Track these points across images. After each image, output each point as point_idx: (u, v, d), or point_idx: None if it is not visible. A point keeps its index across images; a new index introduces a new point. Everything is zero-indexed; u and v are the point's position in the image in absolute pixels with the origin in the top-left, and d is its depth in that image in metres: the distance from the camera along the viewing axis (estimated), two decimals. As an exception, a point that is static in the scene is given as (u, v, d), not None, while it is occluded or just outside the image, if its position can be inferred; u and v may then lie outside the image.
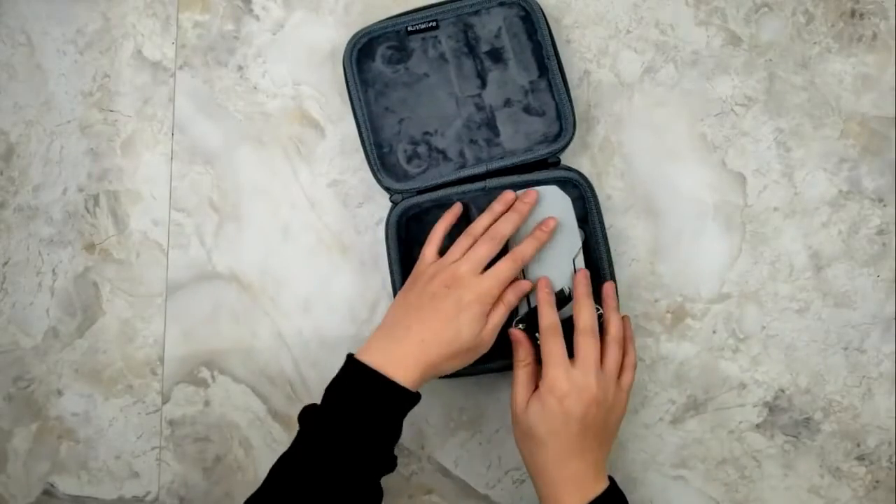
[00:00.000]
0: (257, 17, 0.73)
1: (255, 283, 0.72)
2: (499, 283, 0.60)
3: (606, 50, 0.72)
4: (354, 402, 0.57)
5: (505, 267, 0.61)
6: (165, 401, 0.72)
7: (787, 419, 0.69)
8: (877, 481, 0.69)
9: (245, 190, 0.73)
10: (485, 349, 0.60)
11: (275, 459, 0.58)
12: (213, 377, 0.72)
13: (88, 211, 0.73)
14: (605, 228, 0.66)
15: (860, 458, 0.69)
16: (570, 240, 0.65)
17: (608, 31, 0.72)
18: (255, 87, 0.73)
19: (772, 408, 0.70)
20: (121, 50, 0.74)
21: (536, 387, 0.60)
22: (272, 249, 0.72)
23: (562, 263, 0.65)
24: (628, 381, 0.62)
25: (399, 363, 0.57)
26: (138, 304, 0.73)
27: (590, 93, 0.71)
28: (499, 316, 0.60)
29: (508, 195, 0.65)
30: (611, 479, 0.60)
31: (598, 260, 0.66)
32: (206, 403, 0.72)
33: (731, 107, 0.71)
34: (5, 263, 0.74)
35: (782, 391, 0.70)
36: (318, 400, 0.72)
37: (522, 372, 0.61)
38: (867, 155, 0.70)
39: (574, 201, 0.66)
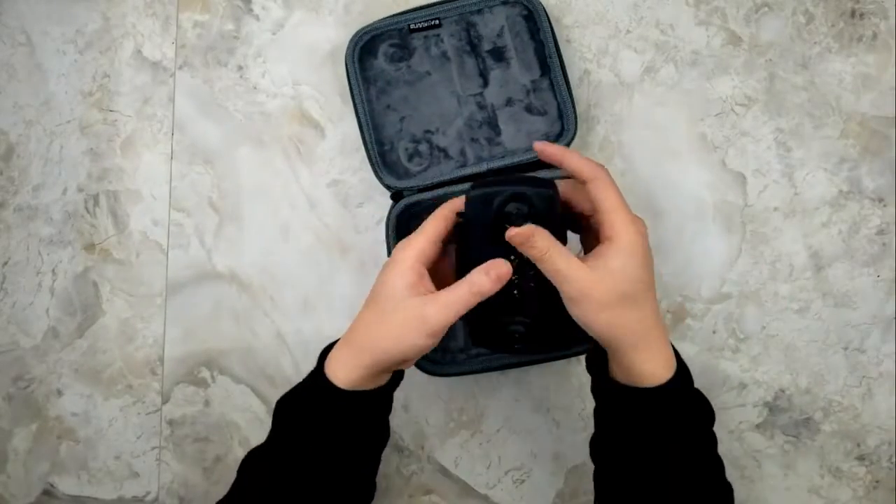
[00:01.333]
0: (257, 17, 0.73)
1: (255, 283, 0.72)
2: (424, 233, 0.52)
3: (606, 50, 0.72)
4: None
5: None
6: (165, 401, 0.72)
7: (787, 419, 0.69)
8: (877, 481, 0.69)
9: (245, 190, 0.73)
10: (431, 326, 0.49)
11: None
12: (213, 377, 0.72)
13: (88, 211, 0.73)
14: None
15: (860, 458, 0.69)
16: None
17: (608, 31, 0.72)
18: (255, 87, 0.73)
19: (772, 408, 0.70)
20: (121, 50, 0.74)
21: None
22: (272, 249, 0.72)
23: None
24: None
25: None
26: (138, 304, 0.73)
27: (590, 93, 0.71)
28: (449, 296, 0.49)
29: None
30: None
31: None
32: (206, 403, 0.72)
33: (731, 107, 0.71)
34: (5, 263, 0.74)
35: (782, 391, 0.70)
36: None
37: (557, 250, 0.49)
38: (867, 155, 0.70)
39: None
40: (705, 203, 0.71)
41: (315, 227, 0.72)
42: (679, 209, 0.71)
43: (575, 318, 0.50)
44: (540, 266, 0.50)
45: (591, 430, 0.70)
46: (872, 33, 0.71)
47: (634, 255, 0.49)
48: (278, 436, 0.53)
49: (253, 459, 0.53)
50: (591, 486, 0.70)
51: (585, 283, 0.49)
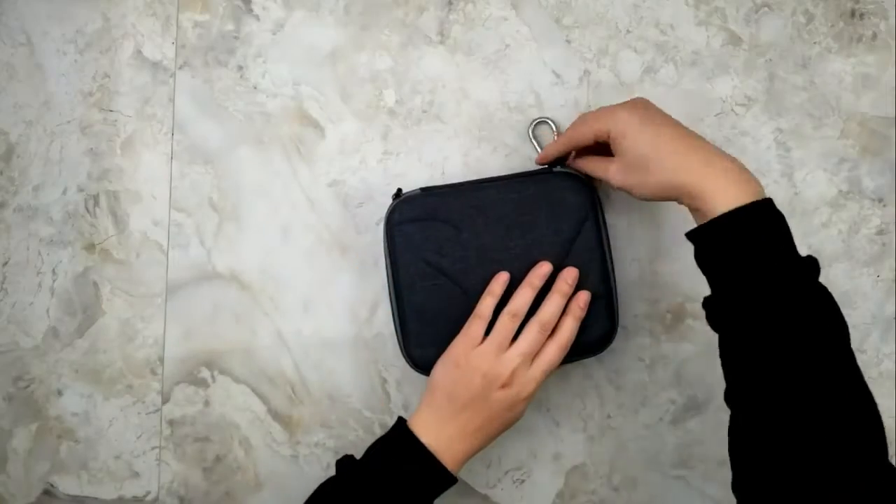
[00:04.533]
0: (257, 17, 0.73)
1: (255, 283, 0.72)
2: (546, 373, 0.61)
3: (606, 50, 0.72)
4: (397, 470, 0.58)
5: (551, 353, 0.61)
6: (165, 401, 0.72)
7: (787, 419, 0.69)
8: (877, 481, 0.69)
9: (245, 190, 0.73)
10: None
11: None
12: (213, 377, 0.72)
13: (88, 211, 0.73)
14: (606, 229, 0.66)
15: (860, 458, 0.69)
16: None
17: (608, 31, 0.72)
18: (255, 87, 0.73)
19: (772, 408, 0.70)
20: (121, 50, 0.74)
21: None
22: (272, 249, 0.72)
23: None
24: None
25: (449, 446, 0.59)
26: (138, 304, 0.73)
27: (590, 93, 0.71)
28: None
29: (544, 267, 0.63)
30: None
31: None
32: (206, 403, 0.72)
33: (731, 107, 0.71)
34: (5, 263, 0.74)
35: (782, 391, 0.69)
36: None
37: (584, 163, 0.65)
38: (867, 155, 0.70)
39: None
40: (705, 203, 0.70)
41: (315, 228, 0.72)
42: (679, 209, 0.70)
43: (638, 195, 0.59)
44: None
45: (590, 430, 0.70)
46: (872, 33, 0.71)
47: (631, 123, 0.57)
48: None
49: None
50: (590, 485, 0.70)
51: (611, 168, 0.60)
